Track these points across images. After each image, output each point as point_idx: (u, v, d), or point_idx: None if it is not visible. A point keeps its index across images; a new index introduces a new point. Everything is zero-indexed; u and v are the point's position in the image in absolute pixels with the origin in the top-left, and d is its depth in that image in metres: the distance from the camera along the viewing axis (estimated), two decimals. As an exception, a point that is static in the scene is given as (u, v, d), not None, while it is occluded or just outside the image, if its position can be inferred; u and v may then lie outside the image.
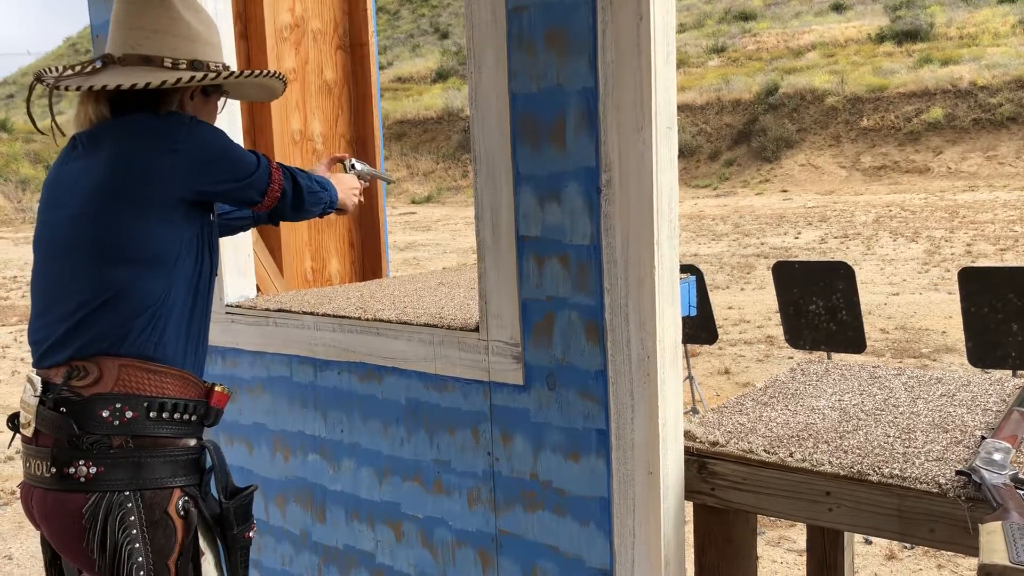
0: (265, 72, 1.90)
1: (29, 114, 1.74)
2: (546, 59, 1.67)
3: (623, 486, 1.68)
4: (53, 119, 1.82)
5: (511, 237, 1.77)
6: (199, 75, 1.74)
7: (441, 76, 36.79)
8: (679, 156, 1.67)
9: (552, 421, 1.77)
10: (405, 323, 2.01)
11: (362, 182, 2.26)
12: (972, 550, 1.35)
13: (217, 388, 1.75)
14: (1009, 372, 4.36)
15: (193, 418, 1.70)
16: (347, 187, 2.13)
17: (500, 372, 1.83)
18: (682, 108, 24.73)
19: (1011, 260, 10.82)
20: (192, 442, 1.71)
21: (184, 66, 1.74)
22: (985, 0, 29.40)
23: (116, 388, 1.61)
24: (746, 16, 34.94)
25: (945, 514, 1.45)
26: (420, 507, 2.04)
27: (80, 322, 1.62)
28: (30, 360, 1.74)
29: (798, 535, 3.73)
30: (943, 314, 8.30)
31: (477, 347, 1.86)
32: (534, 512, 1.82)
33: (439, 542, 2.01)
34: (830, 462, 1.58)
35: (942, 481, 1.47)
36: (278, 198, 1.83)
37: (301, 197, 1.89)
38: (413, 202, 27.76)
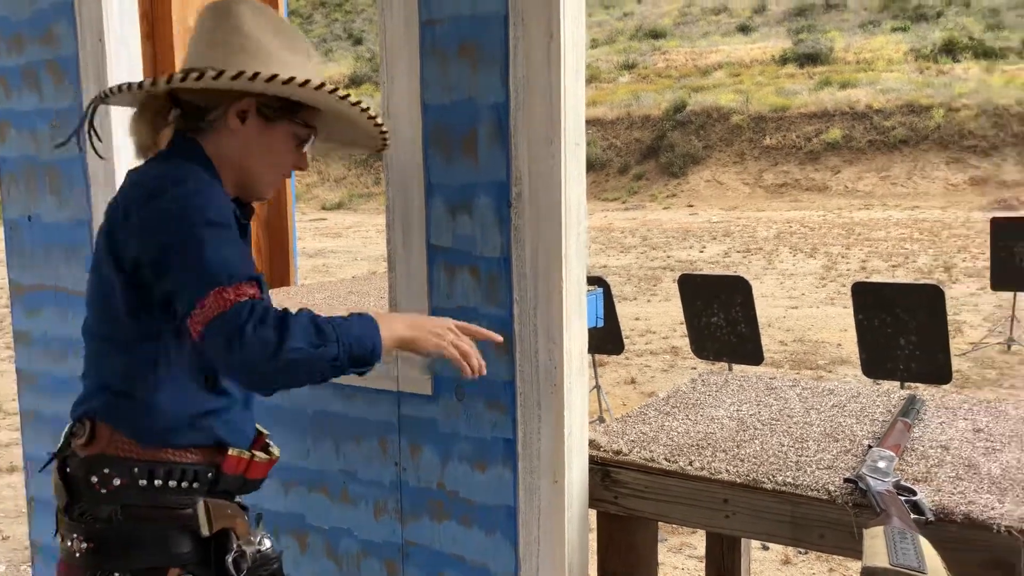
0: (335, 91, 1.45)
1: (93, 134, 1.53)
2: (459, 72, 1.69)
3: (529, 495, 1.70)
4: (87, 136, 1.53)
5: (422, 247, 1.78)
6: (206, 73, 1.37)
7: (355, 82, 36.46)
8: (590, 169, 1.71)
9: (460, 431, 1.78)
10: (313, 332, 1.99)
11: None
12: (859, 554, 1.42)
13: (232, 452, 1.47)
14: (897, 384, 4.58)
15: (195, 485, 1.44)
16: (429, 325, 1.49)
17: (409, 382, 1.83)
18: (593, 122, 25.11)
19: (902, 276, 11.34)
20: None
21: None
22: (880, 27, 30.80)
23: (109, 449, 1.41)
24: (656, 34, 35.74)
25: (834, 520, 1.52)
26: (325, 518, 2.02)
27: (84, 375, 1.49)
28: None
29: (699, 542, 3.83)
30: (839, 327, 8.63)
31: (386, 357, 1.85)
32: (441, 522, 1.83)
33: (344, 553, 2.00)
34: (727, 470, 1.64)
35: (831, 488, 1.54)
36: (200, 331, 1.27)
37: (250, 346, 1.24)
38: (324, 208, 27.40)
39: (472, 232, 1.72)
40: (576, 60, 1.63)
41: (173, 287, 1.32)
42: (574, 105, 1.63)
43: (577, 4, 1.62)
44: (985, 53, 25.68)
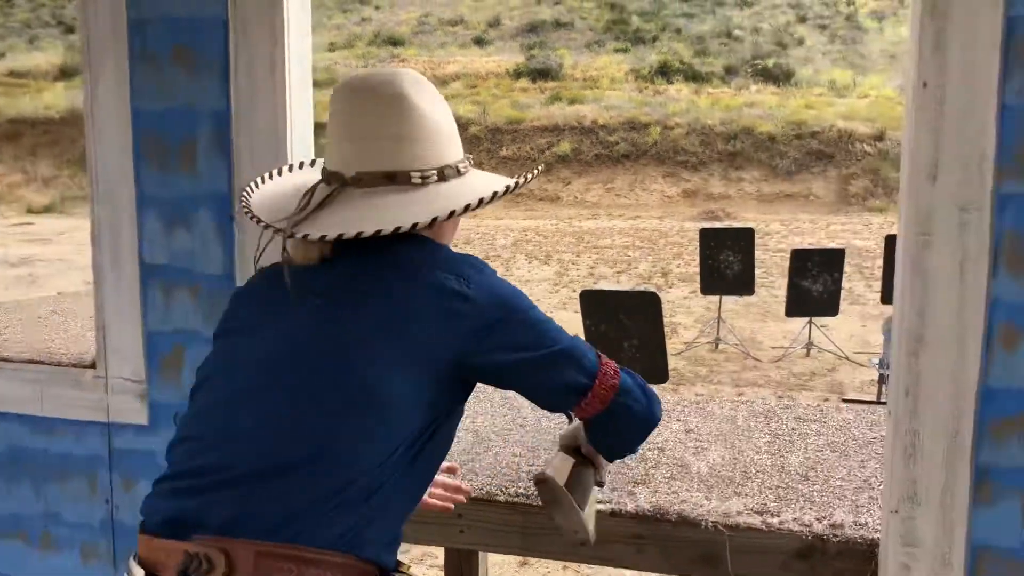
0: (530, 177, 1.43)
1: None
2: (173, 77, 1.58)
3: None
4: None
5: (134, 264, 1.64)
6: (478, 201, 1.29)
7: (66, 73, 33.35)
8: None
9: (181, 462, 1.65)
10: (4, 360, 1.78)
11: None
12: (585, 559, 1.48)
13: None
14: (622, 384, 4.89)
15: None
16: None
17: (122, 412, 1.68)
18: (333, 127, 24.77)
19: (626, 281, 12.17)
20: None
21: (434, 178, 1.28)
22: (604, 48, 32.93)
23: None
24: (395, 41, 35.90)
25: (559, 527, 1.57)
26: (23, 567, 1.80)
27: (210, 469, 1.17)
28: None
29: (439, 550, 3.86)
30: (571, 331, 9.09)
31: (94, 385, 1.69)
32: (160, 561, 1.69)
33: (48, 605, 1.79)
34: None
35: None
36: (612, 397, 1.31)
37: (647, 404, 1.36)
38: (30, 211, 24.80)
39: (191, 248, 1.61)
40: (303, 68, 1.58)
41: (551, 383, 1.34)
42: (302, 116, 1.57)
43: (303, 12, 1.57)
44: (694, 76, 28.27)
